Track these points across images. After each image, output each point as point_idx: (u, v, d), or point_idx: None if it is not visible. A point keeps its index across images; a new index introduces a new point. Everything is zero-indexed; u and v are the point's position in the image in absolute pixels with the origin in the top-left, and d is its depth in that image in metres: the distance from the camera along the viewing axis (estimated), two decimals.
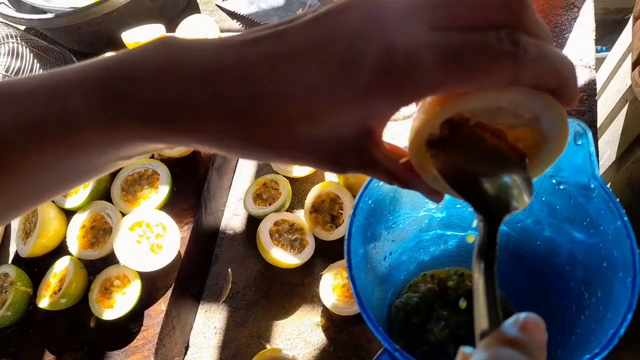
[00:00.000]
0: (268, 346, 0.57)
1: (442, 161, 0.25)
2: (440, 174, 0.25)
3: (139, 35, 0.69)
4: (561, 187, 0.38)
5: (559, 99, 0.22)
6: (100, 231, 0.58)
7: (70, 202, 0.59)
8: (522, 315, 0.20)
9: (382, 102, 0.22)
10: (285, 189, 0.63)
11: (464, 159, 0.26)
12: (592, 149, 0.35)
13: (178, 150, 0.61)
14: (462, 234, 0.51)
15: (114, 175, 0.61)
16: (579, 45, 0.69)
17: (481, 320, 0.20)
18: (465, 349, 0.20)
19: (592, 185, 0.35)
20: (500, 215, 0.24)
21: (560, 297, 0.43)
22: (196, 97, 0.22)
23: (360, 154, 0.25)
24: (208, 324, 0.60)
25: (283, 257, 0.59)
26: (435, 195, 0.28)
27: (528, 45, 0.20)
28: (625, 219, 0.33)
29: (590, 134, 0.35)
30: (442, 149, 0.25)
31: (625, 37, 0.72)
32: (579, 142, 0.35)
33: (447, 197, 0.47)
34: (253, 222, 0.65)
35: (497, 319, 0.20)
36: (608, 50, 0.87)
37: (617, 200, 0.34)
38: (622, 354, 0.65)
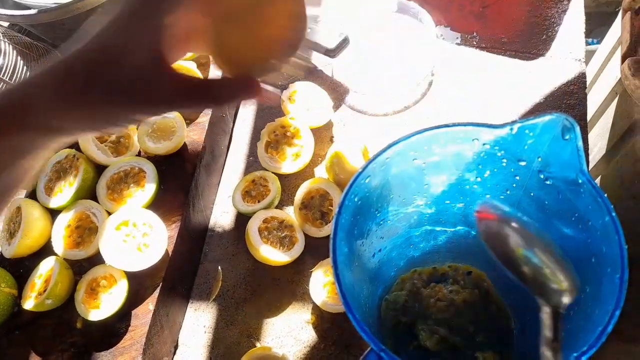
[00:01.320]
0: (258, 344, 0.57)
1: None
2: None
3: None
4: (549, 182, 0.38)
5: None
6: (85, 231, 0.57)
7: (55, 202, 0.58)
8: None
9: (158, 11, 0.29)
10: (275, 186, 0.62)
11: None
12: (580, 143, 0.34)
13: (164, 148, 0.60)
14: (452, 229, 0.51)
15: (99, 173, 0.60)
16: (569, 39, 0.69)
17: None
18: None
19: (580, 181, 0.35)
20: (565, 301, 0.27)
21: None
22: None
23: (162, 77, 0.30)
24: (197, 322, 0.60)
25: (272, 254, 0.58)
26: (253, 89, 0.33)
27: None
28: (614, 214, 0.32)
29: (577, 129, 0.34)
30: None
31: (616, 30, 0.72)
32: (567, 137, 0.35)
33: (436, 193, 0.47)
34: (242, 219, 0.64)
35: None
36: (599, 42, 0.86)
37: (605, 195, 0.33)
38: (612, 345, 0.65)
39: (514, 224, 0.32)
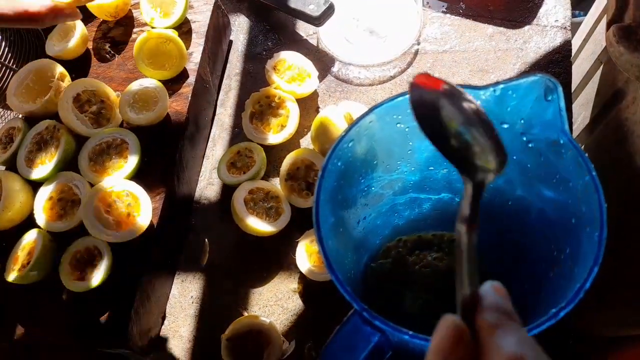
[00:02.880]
0: (245, 313, 0.57)
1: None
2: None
3: None
4: (531, 145, 0.38)
5: None
6: (68, 203, 0.56)
7: (36, 173, 0.57)
8: (494, 284, 0.22)
9: None
10: (260, 157, 0.62)
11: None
12: (562, 104, 0.34)
13: (147, 119, 0.59)
14: (436, 196, 0.51)
15: (81, 145, 0.59)
16: (554, 6, 0.68)
17: (464, 286, 0.21)
18: (453, 317, 0.20)
19: (562, 141, 0.35)
20: (488, 175, 0.24)
21: (533, 255, 0.43)
22: None
23: None
24: (185, 293, 0.60)
25: (259, 225, 0.58)
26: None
27: None
28: (594, 173, 0.33)
29: (560, 89, 0.34)
30: None
31: None
32: (550, 98, 0.35)
33: (420, 159, 0.47)
34: (228, 191, 0.64)
35: (476, 284, 0.22)
36: (585, 14, 0.86)
37: (586, 155, 0.33)
38: (597, 311, 0.66)
39: (457, 99, 0.30)
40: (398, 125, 0.41)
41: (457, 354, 0.19)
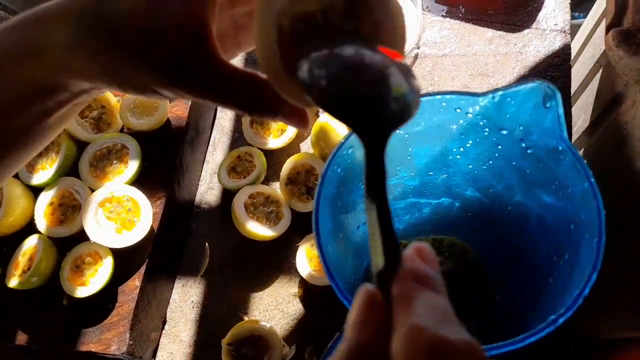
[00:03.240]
0: (246, 318, 0.57)
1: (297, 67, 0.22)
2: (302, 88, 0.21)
3: None
4: (530, 151, 0.38)
5: None
6: (69, 208, 0.56)
7: (37, 179, 0.57)
8: (417, 245, 0.20)
9: None
10: (260, 162, 0.62)
11: (324, 53, 0.22)
12: (561, 110, 0.34)
13: (148, 124, 0.59)
14: (436, 201, 0.51)
15: (81, 150, 0.59)
16: (554, 10, 0.68)
17: (378, 257, 0.19)
18: (367, 285, 0.19)
19: (561, 148, 0.35)
20: (386, 129, 0.20)
21: (531, 261, 0.44)
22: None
23: (197, 58, 0.25)
24: (185, 298, 0.60)
25: (259, 229, 0.58)
26: (302, 119, 0.27)
27: None
28: (592, 180, 0.33)
29: (559, 96, 0.34)
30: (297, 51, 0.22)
31: (601, 2, 0.71)
32: (548, 105, 0.35)
33: (420, 164, 0.47)
34: (228, 195, 0.64)
35: (394, 254, 0.19)
36: (585, 17, 0.86)
37: (585, 162, 0.33)
38: (596, 315, 0.66)
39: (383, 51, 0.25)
40: (397, 131, 0.41)
41: (371, 324, 0.18)
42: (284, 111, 0.26)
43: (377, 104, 0.20)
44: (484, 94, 0.36)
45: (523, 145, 0.38)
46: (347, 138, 0.38)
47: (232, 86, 0.26)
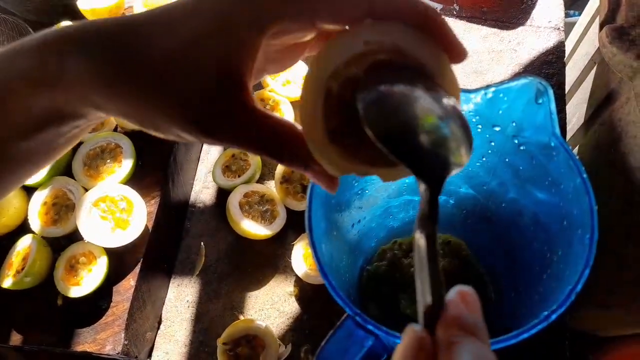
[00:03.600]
0: (241, 317, 0.57)
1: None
2: (368, 131, 0.22)
3: (95, 2, 0.66)
4: (523, 147, 0.38)
5: (438, 41, 0.23)
6: (62, 208, 0.56)
7: (31, 179, 0.57)
8: (462, 288, 0.20)
9: (244, 21, 0.22)
10: (255, 160, 0.62)
11: (384, 112, 0.22)
12: (553, 106, 0.34)
13: None
14: None
15: (75, 150, 0.59)
16: (548, 7, 0.69)
17: (425, 294, 0.19)
18: (416, 327, 0.19)
19: (553, 144, 0.35)
20: (443, 174, 0.22)
21: (525, 257, 0.44)
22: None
23: (231, 107, 0.24)
24: (180, 297, 0.60)
25: (254, 228, 0.58)
26: (331, 183, 0.27)
27: None
28: (585, 176, 0.33)
29: (551, 92, 0.34)
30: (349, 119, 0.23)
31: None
32: (540, 101, 0.35)
33: None
34: (223, 194, 0.64)
35: (440, 293, 0.19)
36: (579, 14, 0.86)
37: (577, 157, 0.33)
38: (590, 310, 0.66)
39: (432, 87, 0.25)
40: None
41: None
42: (315, 169, 0.26)
43: (442, 157, 0.21)
44: (476, 91, 0.36)
45: (516, 141, 0.38)
46: None
47: (265, 136, 0.24)
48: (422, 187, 0.21)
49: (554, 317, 0.31)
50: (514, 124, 0.37)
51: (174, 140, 0.26)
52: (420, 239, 0.20)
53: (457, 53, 0.23)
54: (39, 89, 0.24)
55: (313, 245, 0.35)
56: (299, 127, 0.25)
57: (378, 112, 0.22)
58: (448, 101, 0.23)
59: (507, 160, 0.40)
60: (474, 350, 0.18)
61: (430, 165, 0.21)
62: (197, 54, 0.23)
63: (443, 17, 0.24)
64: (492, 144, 0.40)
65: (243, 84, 0.24)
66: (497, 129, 0.38)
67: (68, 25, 0.25)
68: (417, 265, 0.20)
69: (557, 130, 0.34)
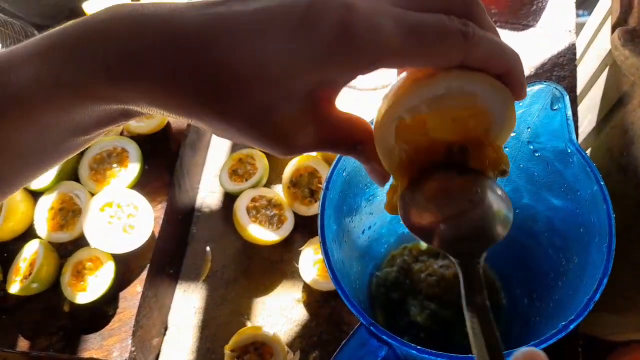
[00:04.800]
0: (249, 324, 0.57)
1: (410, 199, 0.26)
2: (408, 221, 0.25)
3: (102, 5, 0.65)
4: (538, 153, 0.37)
5: (509, 86, 0.24)
6: (69, 213, 0.56)
7: (37, 184, 0.56)
8: (523, 351, 0.20)
9: (338, 66, 0.21)
10: (262, 164, 0.62)
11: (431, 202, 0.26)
12: (569, 112, 0.34)
13: (148, 127, 0.59)
14: None
15: (81, 154, 0.58)
16: (559, 9, 0.68)
17: None
18: None
19: (569, 150, 0.34)
20: (480, 251, 0.23)
21: (539, 265, 0.43)
22: (147, 59, 0.21)
23: (311, 127, 0.24)
24: (187, 303, 0.59)
25: (261, 233, 0.57)
26: (384, 180, 0.28)
27: (476, 29, 0.22)
28: (602, 183, 0.32)
29: (567, 98, 0.34)
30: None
31: (606, 0, 0.71)
32: (556, 107, 0.34)
33: None
34: (230, 199, 0.63)
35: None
36: (589, 14, 0.85)
37: (594, 164, 0.33)
38: (602, 315, 0.66)
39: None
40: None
41: None
42: (375, 167, 0.27)
43: (477, 240, 0.24)
44: None
45: (531, 147, 0.38)
46: None
47: (338, 139, 0.25)
48: (457, 266, 0.23)
49: (572, 327, 0.30)
50: (529, 130, 0.37)
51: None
52: (468, 315, 0.21)
53: (522, 95, 0.24)
54: (108, 98, 0.23)
55: (325, 252, 0.34)
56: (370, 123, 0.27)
57: (413, 215, 0.25)
58: (484, 184, 0.26)
59: (521, 165, 0.40)
60: None
61: (458, 250, 0.24)
62: (292, 84, 0.22)
63: (521, 62, 0.24)
64: (507, 149, 0.39)
65: (330, 102, 0.24)
66: (512, 134, 0.37)
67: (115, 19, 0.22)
68: (471, 340, 0.21)
69: (574, 137, 0.34)
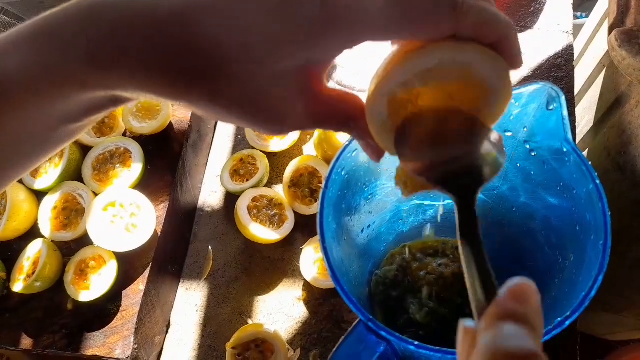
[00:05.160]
0: (250, 321, 0.57)
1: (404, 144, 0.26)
2: (401, 156, 0.25)
3: None
4: (535, 153, 0.38)
5: (503, 55, 0.23)
6: (72, 212, 0.56)
7: (40, 183, 0.57)
8: (515, 281, 0.20)
9: (323, 42, 0.21)
10: (263, 164, 0.62)
11: (425, 146, 0.26)
12: (565, 112, 0.34)
13: (150, 128, 0.60)
14: (440, 203, 0.51)
15: (85, 154, 0.59)
16: (556, 10, 0.68)
17: (477, 293, 0.20)
18: (466, 323, 0.20)
19: (565, 149, 0.35)
20: (474, 187, 0.23)
21: (536, 262, 0.43)
22: (129, 43, 0.21)
23: (301, 105, 0.24)
24: (189, 302, 0.60)
25: (262, 232, 0.58)
26: (378, 154, 0.28)
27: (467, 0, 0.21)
28: (598, 181, 0.33)
29: (563, 98, 0.34)
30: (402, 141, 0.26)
31: (603, 2, 0.71)
32: (552, 107, 0.35)
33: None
34: (231, 198, 0.64)
35: (493, 289, 0.20)
36: (587, 16, 0.86)
37: (590, 163, 0.33)
38: (600, 315, 0.66)
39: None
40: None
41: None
42: (369, 143, 0.27)
43: (470, 177, 0.24)
44: None
45: (527, 147, 0.38)
46: (350, 141, 0.38)
47: (331, 115, 0.25)
48: (454, 200, 0.23)
49: (567, 323, 0.30)
50: (525, 129, 0.37)
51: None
52: (462, 247, 0.21)
53: (517, 63, 0.24)
54: (95, 85, 0.23)
55: (325, 250, 0.35)
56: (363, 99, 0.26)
57: (412, 152, 0.25)
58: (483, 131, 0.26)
59: (518, 165, 0.40)
60: (507, 332, 0.17)
61: (455, 181, 0.24)
62: (278, 61, 0.22)
63: (515, 30, 0.23)
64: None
65: (318, 79, 0.24)
66: (509, 134, 0.38)
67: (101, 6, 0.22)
68: (465, 271, 0.21)
69: (570, 136, 0.34)
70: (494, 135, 0.26)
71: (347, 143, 0.38)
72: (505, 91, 0.25)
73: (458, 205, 0.23)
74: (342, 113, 0.25)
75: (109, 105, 0.24)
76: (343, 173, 0.39)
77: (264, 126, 0.24)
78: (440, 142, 0.26)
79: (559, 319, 0.31)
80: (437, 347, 0.30)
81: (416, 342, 0.30)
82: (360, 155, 0.41)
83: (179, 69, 0.21)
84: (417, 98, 0.25)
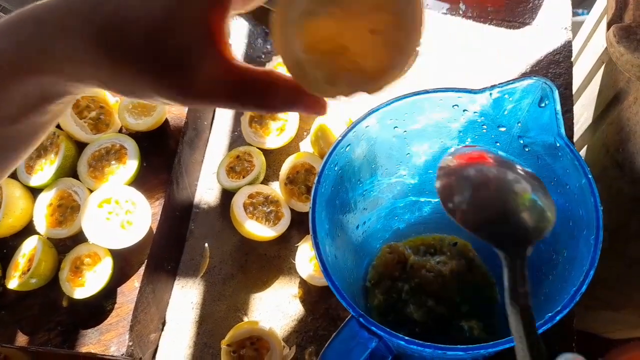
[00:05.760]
0: (245, 319, 0.57)
1: None
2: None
3: None
4: (528, 148, 0.38)
5: None
6: (68, 209, 0.56)
7: (36, 180, 0.57)
8: (567, 358, 0.20)
9: None
10: (259, 161, 0.62)
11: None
12: (558, 107, 0.34)
13: (145, 124, 0.59)
14: (436, 200, 0.51)
15: (80, 151, 0.59)
16: (555, 7, 0.68)
17: None
18: None
19: (558, 144, 0.34)
20: (525, 244, 0.23)
21: (531, 259, 0.43)
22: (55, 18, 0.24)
23: (207, 65, 0.24)
24: (185, 299, 0.60)
25: (258, 230, 0.58)
26: (320, 106, 0.27)
27: None
28: (590, 176, 0.32)
29: (556, 92, 0.34)
30: None
31: None
32: (545, 101, 0.34)
33: (419, 163, 0.46)
34: (228, 195, 0.64)
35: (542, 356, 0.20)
36: (588, 13, 0.86)
37: (582, 158, 0.33)
38: (598, 312, 0.66)
39: (518, 167, 0.28)
40: (395, 129, 0.41)
41: None
42: (303, 102, 0.26)
43: (521, 233, 0.24)
44: (481, 91, 0.36)
45: (521, 142, 0.38)
46: (343, 136, 0.38)
47: (247, 86, 0.25)
48: (502, 258, 0.23)
49: (558, 318, 0.30)
50: (519, 125, 0.37)
51: (155, 103, 0.27)
52: (512, 311, 0.21)
53: None
54: (23, 73, 0.24)
55: (317, 245, 0.35)
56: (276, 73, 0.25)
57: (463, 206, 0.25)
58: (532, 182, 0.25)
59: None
60: None
61: (508, 240, 0.23)
62: (174, 10, 0.23)
63: None
64: (498, 144, 0.40)
65: (216, 36, 0.24)
66: (503, 129, 0.38)
67: (36, 4, 0.25)
68: (514, 337, 0.21)
69: (563, 131, 0.34)
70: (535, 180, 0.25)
71: (340, 138, 0.38)
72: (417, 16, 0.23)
73: (508, 265, 0.22)
74: (261, 88, 0.25)
75: (43, 103, 0.26)
76: (336, 168, 0.39)
77: (170, 91, 0.24)
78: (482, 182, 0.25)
79: (550, 314, 0.30)
80: (428, 343, 0.30)
81: (406, 338, 0.30)
82: (354, 151, 0.41)
83: (99, 37, 0.24)
84: (328, 29, 0.23)
